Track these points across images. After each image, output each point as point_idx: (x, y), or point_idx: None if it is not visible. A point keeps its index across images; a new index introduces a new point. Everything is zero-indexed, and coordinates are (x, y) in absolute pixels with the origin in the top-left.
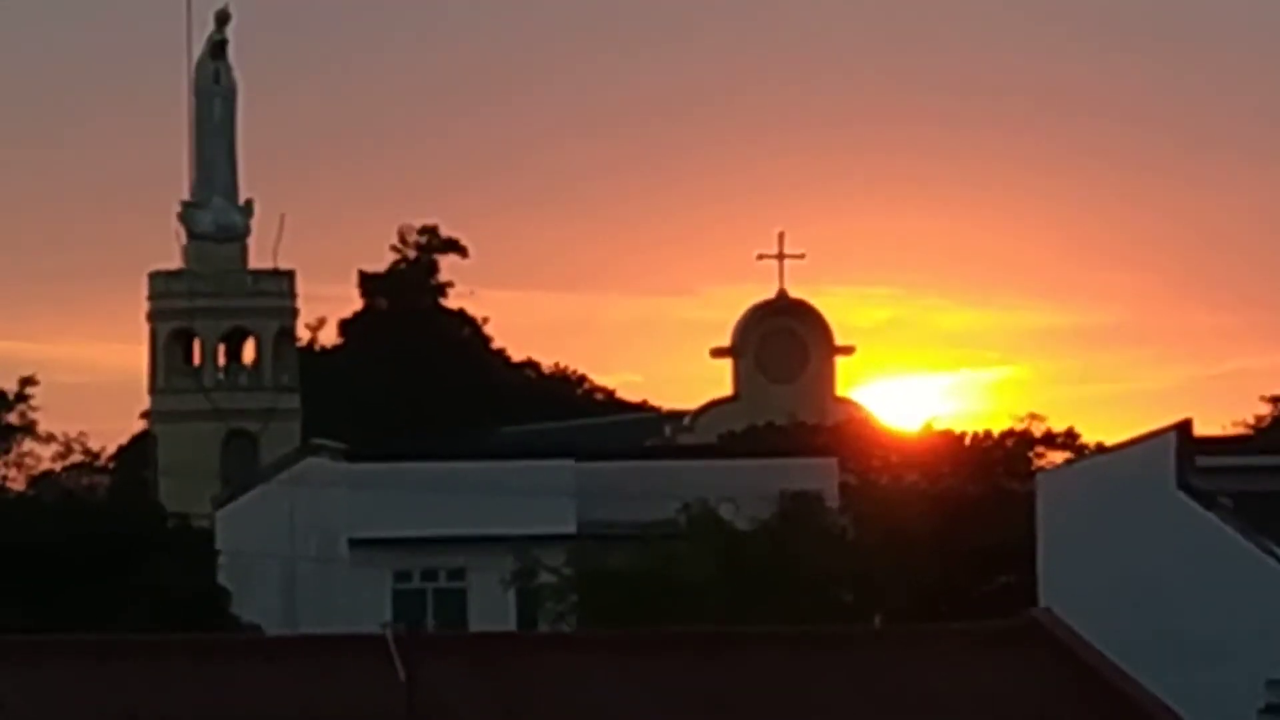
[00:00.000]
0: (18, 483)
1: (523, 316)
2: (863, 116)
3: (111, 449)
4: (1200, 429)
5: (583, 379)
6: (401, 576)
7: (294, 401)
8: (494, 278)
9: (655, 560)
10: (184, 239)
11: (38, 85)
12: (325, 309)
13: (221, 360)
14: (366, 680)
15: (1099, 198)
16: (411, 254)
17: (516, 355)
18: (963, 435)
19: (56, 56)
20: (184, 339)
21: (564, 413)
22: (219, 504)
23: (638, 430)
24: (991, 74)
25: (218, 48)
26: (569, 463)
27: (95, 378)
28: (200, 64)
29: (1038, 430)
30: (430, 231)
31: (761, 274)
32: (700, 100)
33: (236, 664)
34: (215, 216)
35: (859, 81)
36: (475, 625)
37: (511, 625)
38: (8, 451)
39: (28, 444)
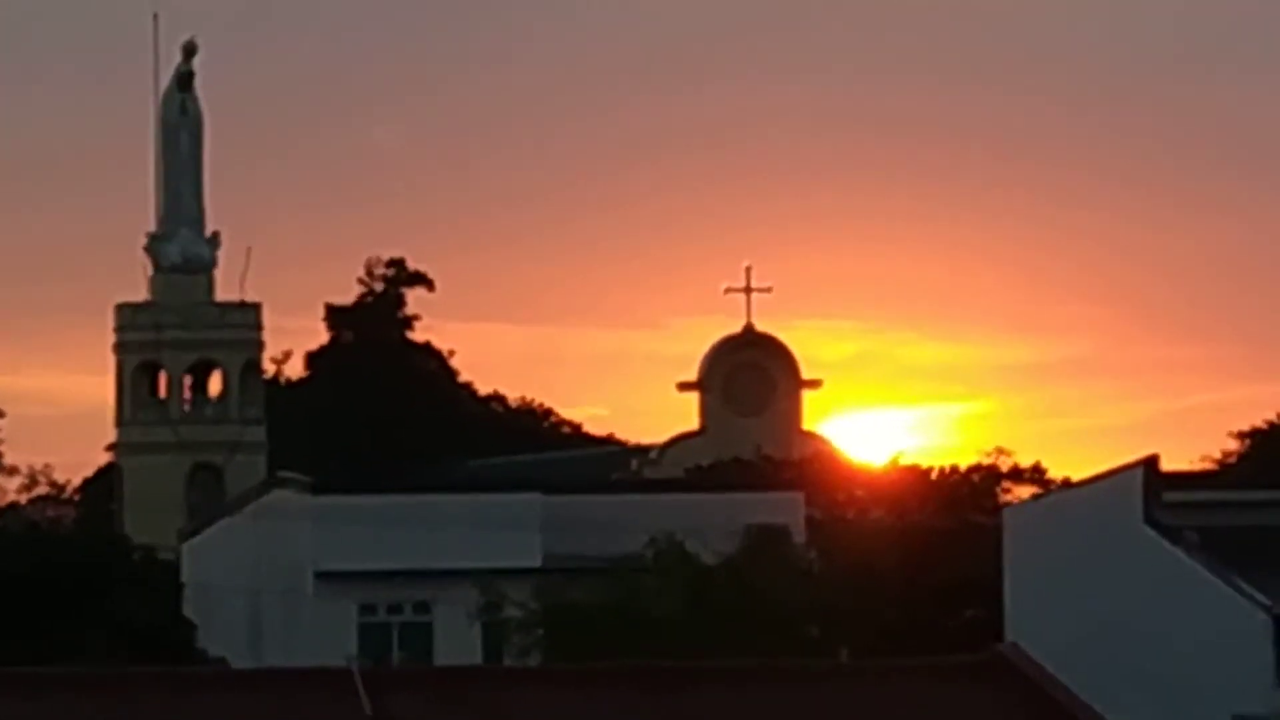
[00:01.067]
0: None
1: (489, 350)
2: (829, 152)
3: (77, 481)
4: (1167, 464)
5: (549, 412)
6: (367, 610)
7: (260, 434)
8: (461, 311)
9: (621, 594)
10: (150, 271)
11: (3, 117)
12: (292, 341)
13: (187, 393)
14: (332, 714)
15: (1065, 234)
16: (378, 287)
17: (483, 388)
18: (929, 470)
19: (23, 89)
20: (150, 371)
21: (530, 446)
22: (184, 536)
23: (604, 464)
24: (957, 113)
25: (184, 80)
26: (535, 496)
27: (61, 410)
28: (167, 96)
29: (1004, 465)
30: (397, 264)
31: (728, 308)
32: (667, 134)
33: (202, 697)
34: (182, 248)
35: (825, 117)
36: (441, 659)
37: (477, 659)
38: None
39: None
